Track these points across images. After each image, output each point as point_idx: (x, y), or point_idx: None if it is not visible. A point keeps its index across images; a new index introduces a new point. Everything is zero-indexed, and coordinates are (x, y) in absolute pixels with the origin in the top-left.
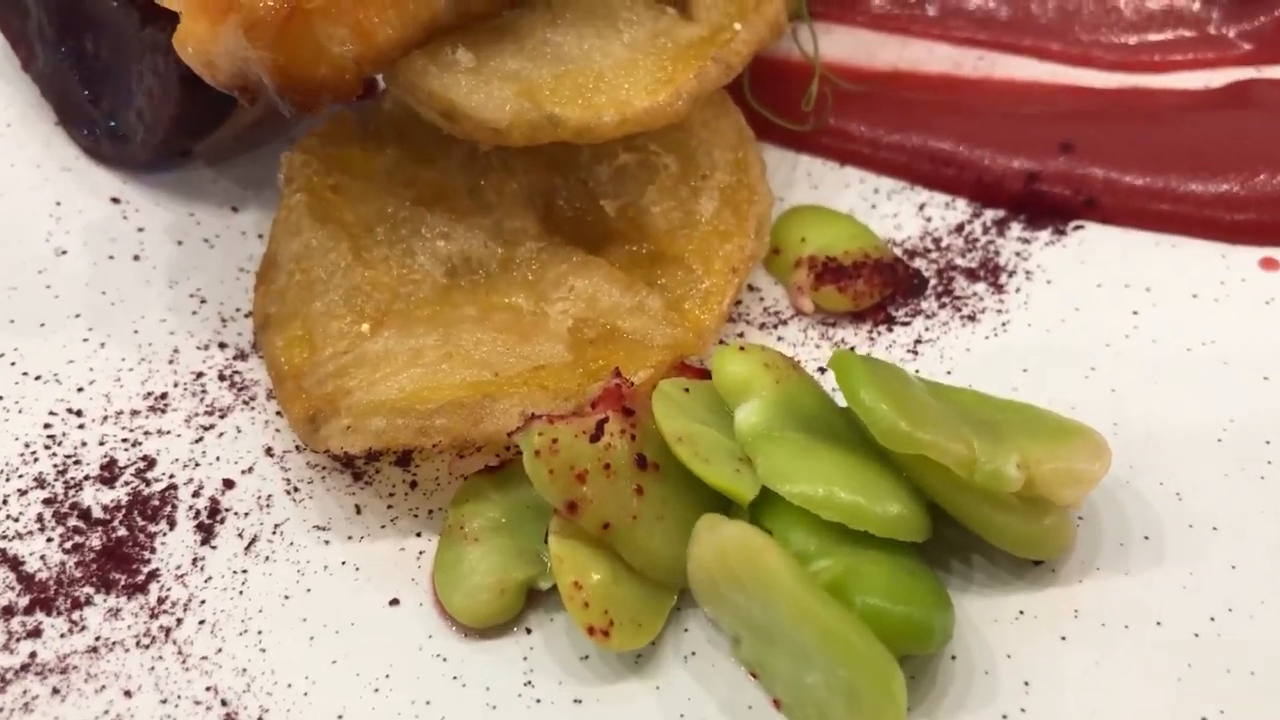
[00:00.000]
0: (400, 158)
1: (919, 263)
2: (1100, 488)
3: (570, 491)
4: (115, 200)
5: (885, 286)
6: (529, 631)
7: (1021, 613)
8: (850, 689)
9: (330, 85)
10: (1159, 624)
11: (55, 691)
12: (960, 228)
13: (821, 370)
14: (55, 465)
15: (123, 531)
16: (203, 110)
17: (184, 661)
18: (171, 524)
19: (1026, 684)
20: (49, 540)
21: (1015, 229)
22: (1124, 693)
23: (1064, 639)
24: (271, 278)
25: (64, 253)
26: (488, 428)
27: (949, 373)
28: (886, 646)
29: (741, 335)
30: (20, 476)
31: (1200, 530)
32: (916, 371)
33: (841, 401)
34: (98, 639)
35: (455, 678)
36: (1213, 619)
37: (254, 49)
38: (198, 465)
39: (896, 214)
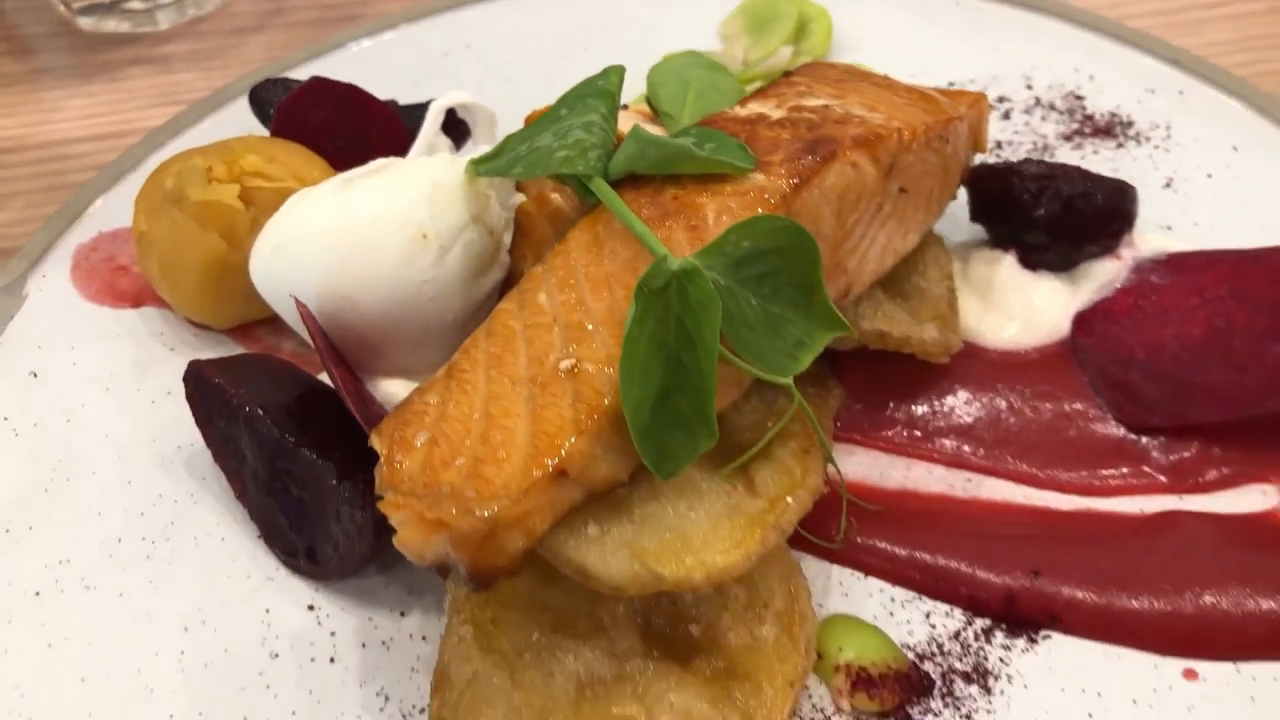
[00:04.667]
0: (533, 582)
1: (927, 665)
2: None
3: None
4: (310, 608)
5: (904, 693)
6: None
7: None
8: None
9: (505, 569)
10: None
11: None
12: (957, 634)
13: None
14: None
15: None
16: (387, 547)
17: None
18: None
19: None
20: None
21: (999, 637)
22: None
23: None
24: (445, 691)
25: (276, 656)
26: None
27: None
28: None
29: None
30: None
31: None
32: None
33: None
34: None
35: None
36: None
37: (456, 553)
38: None
39: (909, 620)
